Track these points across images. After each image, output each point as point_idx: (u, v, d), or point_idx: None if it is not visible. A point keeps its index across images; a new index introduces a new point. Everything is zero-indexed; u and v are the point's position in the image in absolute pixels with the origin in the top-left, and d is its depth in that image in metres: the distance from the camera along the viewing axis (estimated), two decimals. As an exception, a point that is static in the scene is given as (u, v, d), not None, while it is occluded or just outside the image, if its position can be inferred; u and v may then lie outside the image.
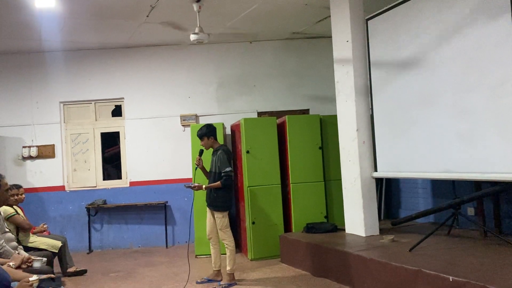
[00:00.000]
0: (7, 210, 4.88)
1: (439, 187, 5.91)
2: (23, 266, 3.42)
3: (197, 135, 5.05)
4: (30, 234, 5.23)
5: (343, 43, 5.37)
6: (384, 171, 5.23)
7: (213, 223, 5.01)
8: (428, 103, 4.57)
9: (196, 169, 5.02)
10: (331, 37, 5.62)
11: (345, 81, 5.38)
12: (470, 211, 5.33)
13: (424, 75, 4.61)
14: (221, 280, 4.98)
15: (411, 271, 3.71)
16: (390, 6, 5.01)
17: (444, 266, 3.65)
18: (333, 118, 5.83)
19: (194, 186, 4.88)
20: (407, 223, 5.71)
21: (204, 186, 4.89)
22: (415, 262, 3.84)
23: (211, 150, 5.11)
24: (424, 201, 6.20)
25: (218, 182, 4.82)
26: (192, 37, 5.52)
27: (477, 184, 4.92)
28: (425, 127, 4.62)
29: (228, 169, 4.81)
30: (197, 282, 5.03)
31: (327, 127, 6.40)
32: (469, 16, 4.11)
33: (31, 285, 2.77)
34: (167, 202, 7.48)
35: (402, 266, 3.82)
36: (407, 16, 4.81)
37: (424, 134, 4.63)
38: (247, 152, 6.08)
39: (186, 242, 7.31)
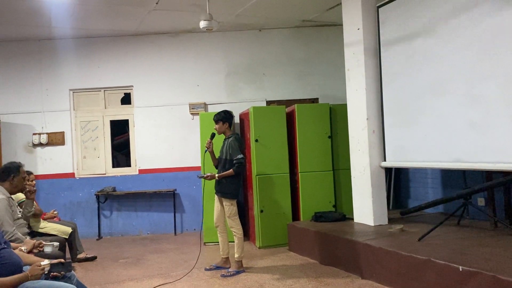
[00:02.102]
0: (18, 196, 4.92)
1: (449, 177, 5.87)
2: (35, 250, 3.46)
3: (214, 118, 5.06)
4: (41, 220, 5.29)
5: (354, 30, 5.32)
6: (393, 161, 5.20)
7: (220, 211, 5.02)
8: (440, 91, 4.51)
9: (205, 152, 5.02)
10: (342, 25, 5.56)
11: (355, 69, 5.33)
12: (480, 201, 5.28)
13: (436, 63, 4.54)
14: (230, 267, 5.01)
15: (421, 260, 3.70)
16: (402, -7, 4.93)
17: (454, 256, 3.63)
18: (343, 107, 5.80)
19: (207, 176, 4.88)
20: (416, 213, 5.68)
21: (217, 175, 4.89)
22: (425, 252, 3.83)
23: (221, 137, 5.10)
24: (433, 191, 6.17)
25: (231, 170, 4.82)
26: (202, 24, 5.48)
27: (488, 174, 4.87)
28: (436, 116, 4.57)
29: (240, 156, 4.81)
30: (206, 269, 5.07)
31: (337, 116, 6.36)
32: (483, 2, 4.03)
33: (43, 269, 2.80)
34: (175, 189, 7.51)
35: (411, 255, 3.81)
36: (419, 3, 4.73)
37: (435, 123, 4.58)
38: (256, 140, 6.06)
39: (194, 229, 7.37)
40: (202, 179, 5.07)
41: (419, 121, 4.80)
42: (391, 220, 5.29)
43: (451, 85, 4.39)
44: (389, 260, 4.06)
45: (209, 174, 4.91)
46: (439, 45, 4.50)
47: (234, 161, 4.81)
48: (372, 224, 5.18)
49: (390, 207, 6.65)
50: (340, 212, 5.96)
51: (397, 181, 6.91)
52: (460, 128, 4.29)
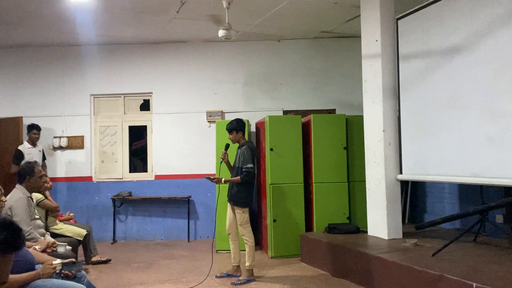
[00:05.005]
0: (36, 195, 5.02)
1: (467, 192, 5.76)
2: (48, 250, 3.53)
3: (227, 129, 5.10)
4: (57, 221, 5.39)
5: (372, 42, 5.30)
6: (409, 174, 5.13)
7: (233, 219, 5.03)
8: (458, 104, 4.46)
9: (221, 162, 5.07)
10: (360, 37, 5.55)
11: (373, 81, 5.31)
12: (498, 218, 5.16)
13: (455, 76, 4.49)
14: (240, 275, 5.00)
15: (433, 275, 3.62)
16: (421, 5, 4.91)
17: (468, 273, 3.55)
18: (359, 118, 5.76)
19: (214, 179, 4.94)
20: (431, 227, 5.58)
21: (223, 179, 4.93)
22: (438, 267, 3.75)
23: (236, 145, 5.14)
24: (450, 206, 6.05)
25: (238, 177, 4.85)
26: (220, 33, 5.55)
27: (507, 190, 4.76)
28: (453, 129, 4.51)
29: (249, 165, 4.83)
30: (217, 277, 5.07)
31: (353, 127, 6.32)
32: (503, 16, 3.98)
33: (54, 268, 2.85)
34: (190, 196, 7.55)
35: (424, 270, 3.73)
36: (439, 16, 4.70)
37: (453, 137, 4.52)
38: (271, 149, 6.07)
39: (208, 237, 7.38)
40: (214, 183, 5.11)
41: (437, 134, 4.74)
42: (405, 234, 5.20)
43: (469, 99, 4.33)
44: (401, 274, 3.99)
45: (216, 177, 4.97)
46: (458, 58, 4.46)
47: (243, 170, 4.84)
48: (386, 238, 5.10)
49: (406, 221, 6.55)
50: (354, 224, 5.90)
51: (413, 195, 6.81)
52: (478, 142, 4.22)
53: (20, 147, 6.85)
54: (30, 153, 6.80)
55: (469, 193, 5.70)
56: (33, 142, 6.93)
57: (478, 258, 4.10)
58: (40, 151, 7.03)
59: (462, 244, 4.63)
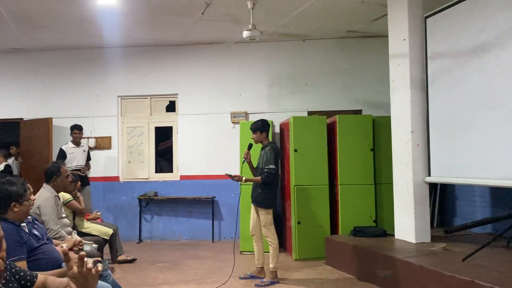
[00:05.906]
0: (64, 195, 5.13)
1: (499, 195, 5.55)
2: (75, 248, 3.57)
3: (251, 128, 5.08)
4: (85, 220, 5.48)
5: (399, 41, 5.19)
6: (438, 176, 4.99)
7: (256, 220, 5.01)
8: (489, 104, 4.30)
9: (243, 162, 5.05)
10: (387, 36, 5.44)
11: (400, 81, 5.19)
12: (533, 223, 4.95)
13: (486, 75, 4.34)
14: (264, 277, 4.97)
15: (463, 281, 3.50)
16: (451, 3, 4.77)
17: (500, 279, 3.41)
18: (386, 119, 5.64)
19: (235, 176, 4.92)
20: (461, 232, 5.42)
21: (244, 178, 4.91)
22: (468, 273, 3.62)
23: (259, 145, 5.11)
24: (481, 210, 5.85)
25: (259, 178, 4.83)
26: (245, 34, 5.55)
27: (542, 194, 4.57)
28: (484, 130, 4.35)
29: (271, 166, 4.79)
30: (240, 278, 5.05)
31: (380, 128, 6.20)
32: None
33: (80, 266, 2.88)
34: (214, 197, 7.58)
35: (454, 276, 3.61)
36: (469, 14, 4.55)
37: (484, 138, 4.36)
38: (295, 150, 6.02)
39: (232, 237, 7.38)
40: (234, 181, 5.09)
41: (467, 135, 4.58)
42: (434, 238, 5.06)
43: (501, 98, 4.17)
44: (429, 279, 3.88)
45: (237, 175, 4.95)
46: (489, 57, 4.30)
47: (265, 170, 4.81)
48: (414, 242, 4.97)
49: (434, 224, 6.38)
50: (381, 227, 5.77)
51: (442, 198, 6.62)
52: (510, 144, 4.06)
53: (63, 147, 6.95)
54: (73, 152, 6.91)
55: (501, 196, 5.50)
56: (76, 142, 7.03)
57: (511, 264, 3.93)
58: (84, 151, 7.11)
59: (494, 249, 4.46)
